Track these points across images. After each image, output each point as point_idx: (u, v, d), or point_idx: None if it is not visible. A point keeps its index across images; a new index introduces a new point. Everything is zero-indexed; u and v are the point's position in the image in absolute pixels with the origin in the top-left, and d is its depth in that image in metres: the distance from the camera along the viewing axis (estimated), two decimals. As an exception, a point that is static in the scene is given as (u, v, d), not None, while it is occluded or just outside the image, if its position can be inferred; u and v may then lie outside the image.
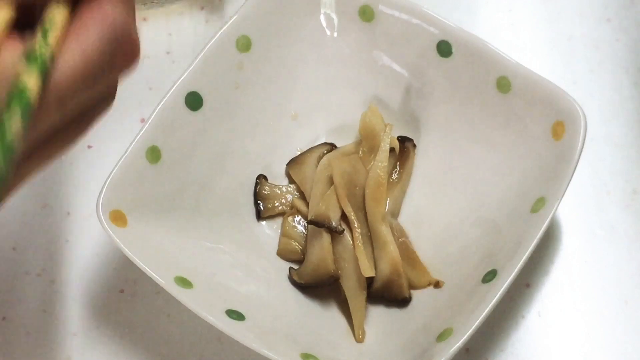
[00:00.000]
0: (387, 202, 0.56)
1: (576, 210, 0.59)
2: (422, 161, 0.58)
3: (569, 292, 0.57)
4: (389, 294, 0.54)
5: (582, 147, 0.52)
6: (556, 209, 0.51)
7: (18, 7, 0.37)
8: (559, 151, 0.53)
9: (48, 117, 0.36)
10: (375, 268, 0.54)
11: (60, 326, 0.56)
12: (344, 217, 0.55)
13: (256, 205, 0.57)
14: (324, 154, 0.58)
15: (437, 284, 0.55)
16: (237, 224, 0.57)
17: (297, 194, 0.58)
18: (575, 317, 0.56)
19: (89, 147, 0.61)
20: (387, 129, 0.56)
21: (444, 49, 0.57)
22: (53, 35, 0.36)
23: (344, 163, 0.56)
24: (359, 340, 0.53)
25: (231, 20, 0.57)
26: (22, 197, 0.59)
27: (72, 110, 0.38)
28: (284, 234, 0.57)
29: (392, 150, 0.57)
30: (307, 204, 0.56)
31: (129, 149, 0.53)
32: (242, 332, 0.50)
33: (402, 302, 0.54)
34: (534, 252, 0.51)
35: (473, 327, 0.48)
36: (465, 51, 0.56)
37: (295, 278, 0.55)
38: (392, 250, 0.54)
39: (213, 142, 0.57)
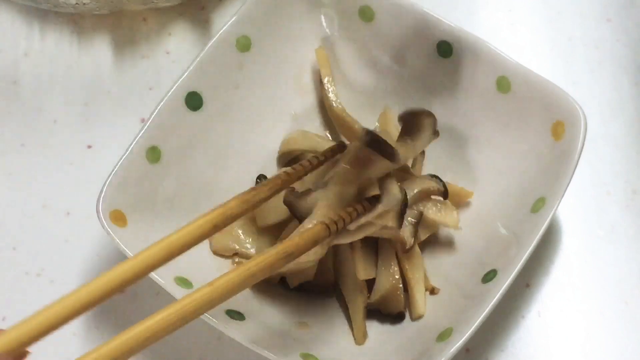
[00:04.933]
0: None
1: (576, 210, 0.59)
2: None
3: (569, 292, 0.57)
4: (385, 308, 0.54)
5: (582, 147, 0.52)
6: (556, 209, 0.51)
7: None
8: (559, 151, 0.53)
9: None
10: (376, 280, 0.54)
11: (60, 326, 0.56)
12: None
13: (256, 205, 0.57)
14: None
15: (432, 291, 0.55)
16: (237, 224, 0.57)
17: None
18: (575, 317, 0.56)
19: (89, 147, 0.61)
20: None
21: (444, 49, 0.57)
22: None
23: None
24: (360, 343, 0.53)
25: (231, 20, 0.57)
26: (22, 197, 0.59)
27: None
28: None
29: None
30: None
31: (129, 149, 0.53)
32: (242, 332, 0.50)
33: (396, 317, 0.54)
34: (534, 252, 0.51)
35: (473, 327, 0.48)
36: (465, 51, 0.56)
37: (289, 282, 0.55)
38: (393, 270, 0.54)
39: (213, 142, 0.57)
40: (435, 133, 0.54)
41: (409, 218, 0.53)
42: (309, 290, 0.55)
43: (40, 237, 0.58)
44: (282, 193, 0.55)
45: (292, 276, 0.54)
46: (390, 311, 0.54)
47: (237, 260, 0.55)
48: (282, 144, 0.58)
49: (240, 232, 0.56)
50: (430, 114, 0.54)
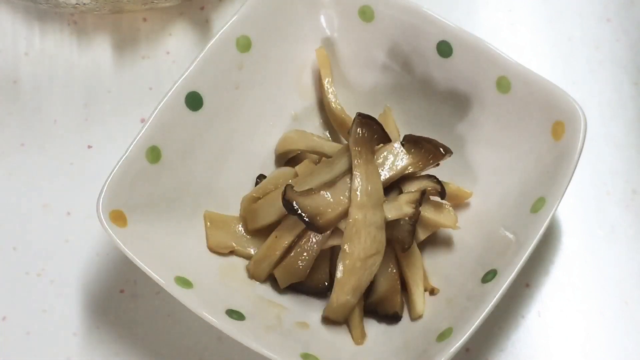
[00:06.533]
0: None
1: (576, 210, 0.59)
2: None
3: (569, 292, 0.57)
4: (381, 309, 0.54)
5: (582, 147, 0.52)
6: (556, 209, 0.51)
7: None
8: (559, 151, 0.53)
9: None
10: (374, 280, 0.54)
11: (60, 326, 0.56)
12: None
13: (256, 205, 0.57)
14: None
15: (432, 291, 0.55)
16: (237, 224, 0.57)
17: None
18: (575, 317, 0.56)
19: (89, 147, 0.61)
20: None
21: (444, 49, 0.57)
22: None
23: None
24: (358, 343, 0.53)
25: (231, 20, 0.57)
26: (22, 197, 0.59)
27: None
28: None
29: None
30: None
31: (129, 149, 0.53)
32: (242, 332, 0.50)
33: (392, 317, 0.54)
34: (534, 252, 0.51)
35: (473, 327, 0.48)
36: (465, 51, 0.56)
37: (279, 282, 0.55)
38: (392, 271, 0.54)
39: (213, 142, 0.57)
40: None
41: (406, 218, 0.53)
42: (301, 291, 0.55)
43: (40, 237, 0.58)
44: (272, 194, 0.55)
45: (282, 277, 0.54)
46: (386, 311, 0.54)
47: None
48: (279, 143, 0.59)
49: (236, 229, 0.56)
50: (448, 152, 0.55)
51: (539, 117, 0.55)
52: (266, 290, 0.55)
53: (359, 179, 0.53)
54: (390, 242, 0.53)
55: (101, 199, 0.52)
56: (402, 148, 0.55)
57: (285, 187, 0.53)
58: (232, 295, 0.53)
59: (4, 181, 0.60)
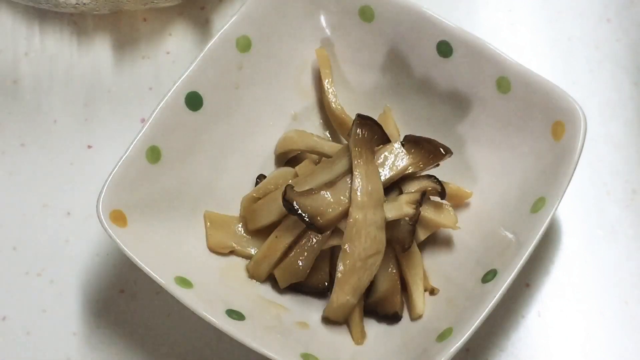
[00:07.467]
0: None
1: (576, 210, 0.59)
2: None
3: (569, 292, 0.57)
4: (381, 309, 0.54)
5: (582, 147, 0.52)
6: (556, 209, 0.51)
7: None
8: (559, 151, 0.53)
9: None
10: (374, 280, 0.54)
11: (60, 326, 0.56)
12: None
13: (256, 205, 0.58)
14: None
15: (432, 291, 0.55)
16: (237, 224, 0.57)
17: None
18: (575, 317, 0.56)
19: (89, 147, 0.61)
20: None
21: (444, 49, 0.57)
22: None
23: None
24: (358, 343, 0.53)
25: (231, 20, 0.57)
26: (22, 197, 0.59)
27: None
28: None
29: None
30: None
31: (129, 149, 0.53)
32: (242, 332, 0.50)
33: (392, 317, 0.54)
34: (534, 252, 0.51)
35: (473, 327, 0.48)
36: (465, 51, 0.56)
37: (279, 283, 0.55)
38: (392, 271, 0.54)
39: (213, 142, 0.57)
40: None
41: (406, 218, 0.53)
42: (301, 291, 0.55)
43: (40, 237, 0.58)
44: (272, 194, 0.55)
45: (282, 277, 0.54)
46: (386, 311, 0.54)
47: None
48: (278, 143, 0.59)
49: (236, 229, 0.56)
50: (448, 152, 0.55)
51: (539, 117, 0.55)
52: (266, 290, 0.55)
53: (359, 179, 0.53)
54: (390, 242, 0.53)
55: (101, 199, 0.52)
56: (402, 148, 0.55)
57: (285, 187, 0.53)
58: (232, 295, 0.53)
59: (4, 181, 0.60)
